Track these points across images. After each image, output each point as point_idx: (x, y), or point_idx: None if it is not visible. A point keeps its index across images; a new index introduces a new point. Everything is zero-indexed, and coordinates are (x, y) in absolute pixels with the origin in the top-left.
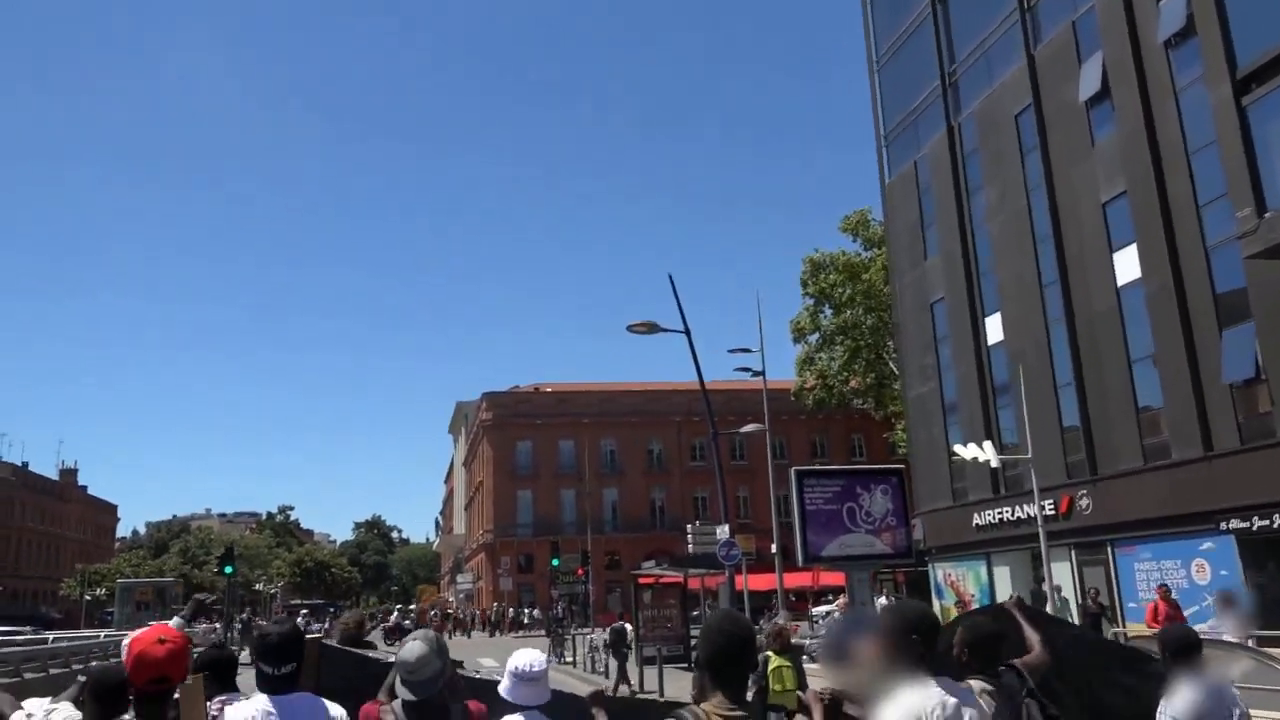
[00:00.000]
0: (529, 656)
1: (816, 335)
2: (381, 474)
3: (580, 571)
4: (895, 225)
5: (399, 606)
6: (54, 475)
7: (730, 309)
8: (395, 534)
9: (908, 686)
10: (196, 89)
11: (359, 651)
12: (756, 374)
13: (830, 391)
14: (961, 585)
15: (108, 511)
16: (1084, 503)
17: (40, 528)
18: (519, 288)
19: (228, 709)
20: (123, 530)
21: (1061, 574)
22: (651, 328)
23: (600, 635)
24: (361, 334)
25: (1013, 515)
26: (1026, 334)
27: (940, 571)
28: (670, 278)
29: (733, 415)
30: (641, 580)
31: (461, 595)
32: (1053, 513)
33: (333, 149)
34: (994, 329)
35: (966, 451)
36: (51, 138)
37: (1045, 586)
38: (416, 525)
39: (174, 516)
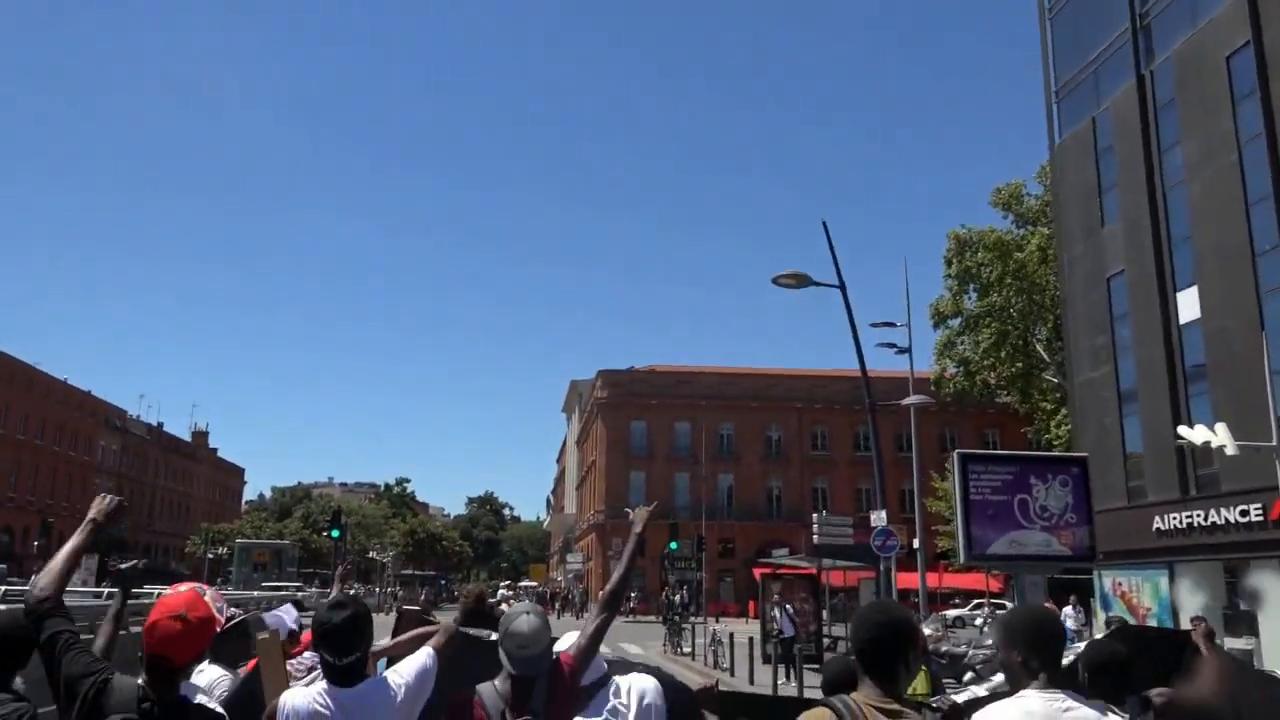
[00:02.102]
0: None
1: (959, 319)
2: (496, 451)
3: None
4: (1066, 191)
5: (505, 583)
6: (186, 437)
7: (868, 291)
8: (507, 511)
9: (1032, 696)
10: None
11: (467, 630)
12: (902, 351)
13: (972, 380)
14: (1135, 597)
15: (235, 474)
16: None
17: (172, 486)
18: (638, 270)
19: (285, 694)
20: (250, 494)
21: (1271, 592)
22: (801, 280)
23: (721, 627)
24: (482, 315)
25: (1205, 519)
26: (1232, 310)
27: (1109, 580)
28: (824, 225)
29: (858, 406)
30: (773, 571)
31: (571, 575)
32: (1260, 518)
33: (480, 132)
34: (1188, 305)
35: (1194, 434)
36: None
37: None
38: (528, 503)
39: (298, 483)
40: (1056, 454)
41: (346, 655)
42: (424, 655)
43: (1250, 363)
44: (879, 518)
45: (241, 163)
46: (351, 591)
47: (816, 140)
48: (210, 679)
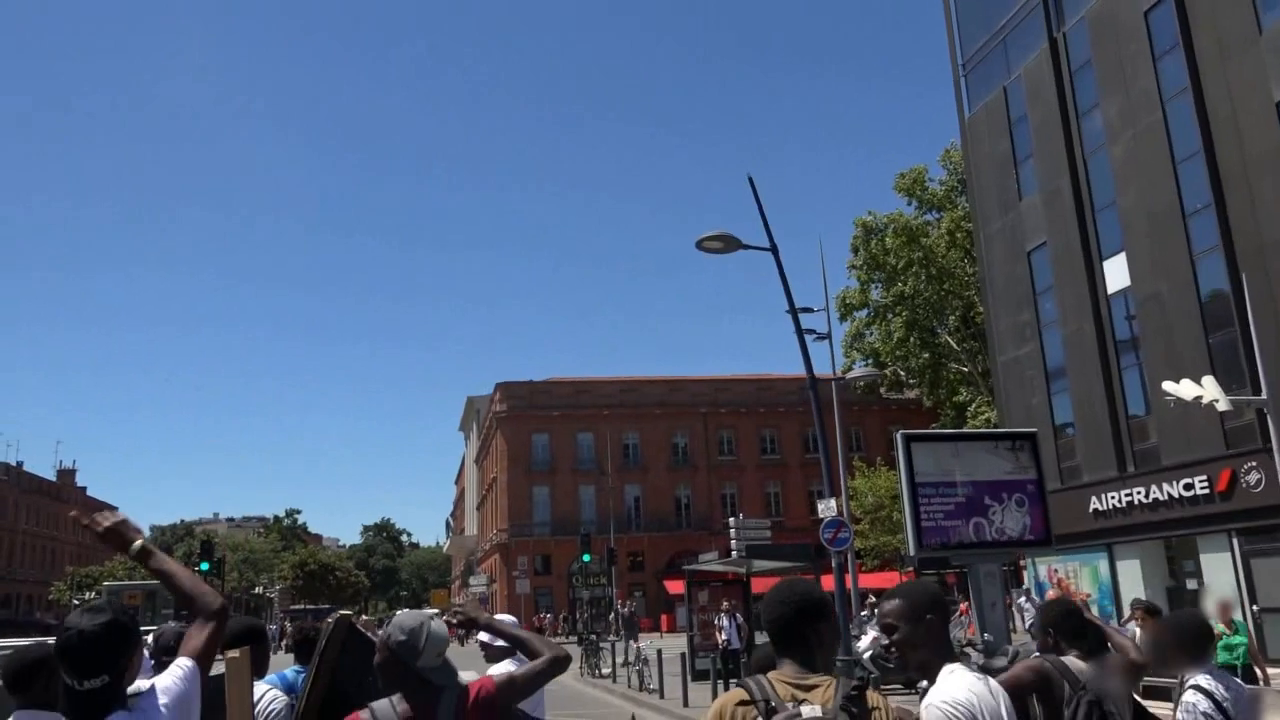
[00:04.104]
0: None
1: (866, 310)
2: (392, 477)
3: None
4: (979, 165)
5: (402, 612)
6: (51, 476)
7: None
8: (405, 537)
9: (949, 671)
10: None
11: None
12: (821, 337)
13: (882, 373)
14: (1073, 583)
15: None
16: (1253, 477)
17: (35, 529)
18: (534, 279)
19: None
20: None
21: (1217, 568)
22: (729, 243)
23: (646, 644)
24: (370, 332)
25: (1146, 496)
26: (1164, 274)
27: (1044, 567)
28: (750, 180)
29: (763, 408)
30: (694, 579)
31: (475, 599)
32: (1206, 491)
33: (365, 130)
34: (1116, 273)
35: (1182, 390)
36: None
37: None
38: (427, 529)
39: (180, 520)
40: (1005, 430)
41: (90, 677)
42: (182, 668)
43: (1187, 328)
44: (828, 507)
45: (107, 176)
46: None
47: (719, 140)
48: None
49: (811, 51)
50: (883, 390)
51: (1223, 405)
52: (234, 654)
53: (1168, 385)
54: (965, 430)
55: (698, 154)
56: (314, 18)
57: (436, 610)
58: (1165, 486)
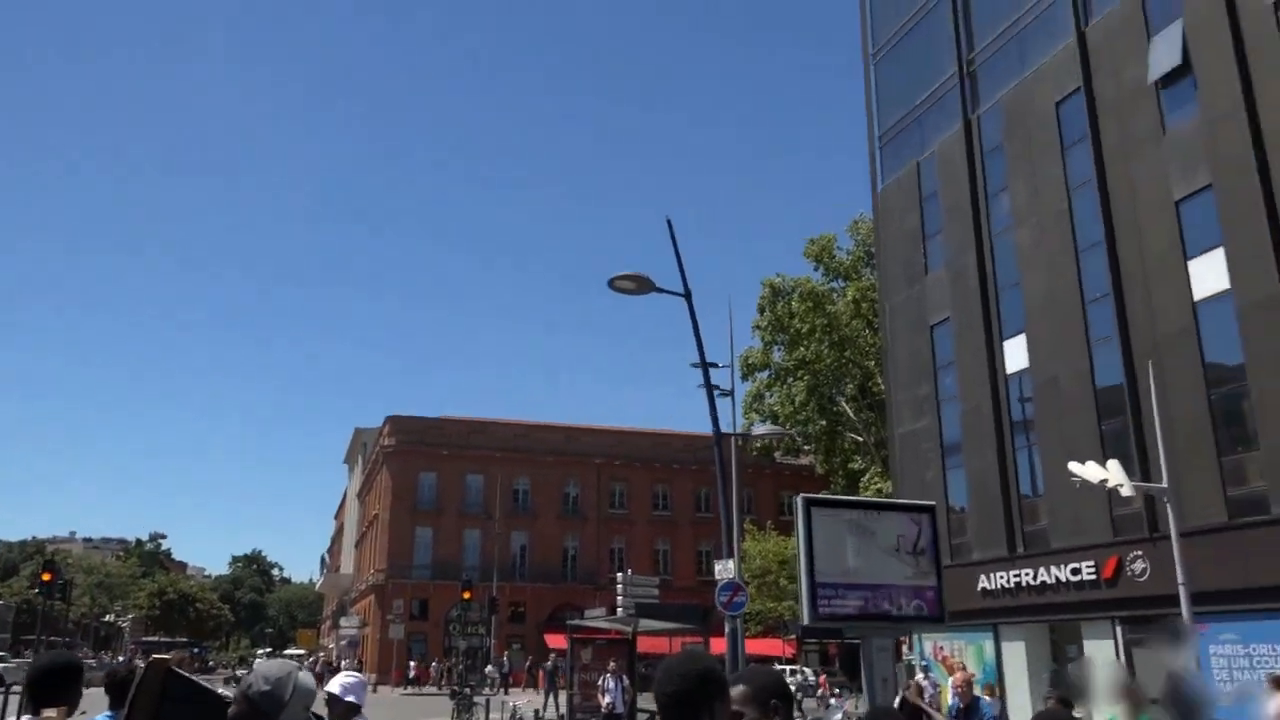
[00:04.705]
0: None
1: (768, 371)
2: (268, 506)
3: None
4: (888, 236)
5: (265, 651)
6: None
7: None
8: (276, 571)
9: None
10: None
11: (203, 681)
12: (726, 393)
13: (788, 432)
14: (957, 661)
15: None
16: (1138, 566)
17: None
18: (433, 310)
19: None
20: None
21: (1100, 654)
22: (642, 284)
23: (522, 701)
24: (251, 354)
25: (1034, 578)
26: (1061, 358)
27: (929, 644)
28: (669, 222)
29: (658, 463)
30: (578, 635)
31: (344, 642)
32: (1093, 576)
33: (257, 152)
34: (1016, 353)
35: (1087, 472)
36: None
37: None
38: (301, 564)
39: (32, 537)
40: (904, 501)
41: None
42: None
43: (1081, 413)
44: (725, 568)
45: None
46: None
47: (644, 183)
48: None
49: (734, 106)
50: (777, 455)
51: (1126, 490)
52: (50, 714)
53: (1073, 466)
54: (868, 499)
55: (611, 206)
56: None
57: (304, 652)
58: (1053, 569)
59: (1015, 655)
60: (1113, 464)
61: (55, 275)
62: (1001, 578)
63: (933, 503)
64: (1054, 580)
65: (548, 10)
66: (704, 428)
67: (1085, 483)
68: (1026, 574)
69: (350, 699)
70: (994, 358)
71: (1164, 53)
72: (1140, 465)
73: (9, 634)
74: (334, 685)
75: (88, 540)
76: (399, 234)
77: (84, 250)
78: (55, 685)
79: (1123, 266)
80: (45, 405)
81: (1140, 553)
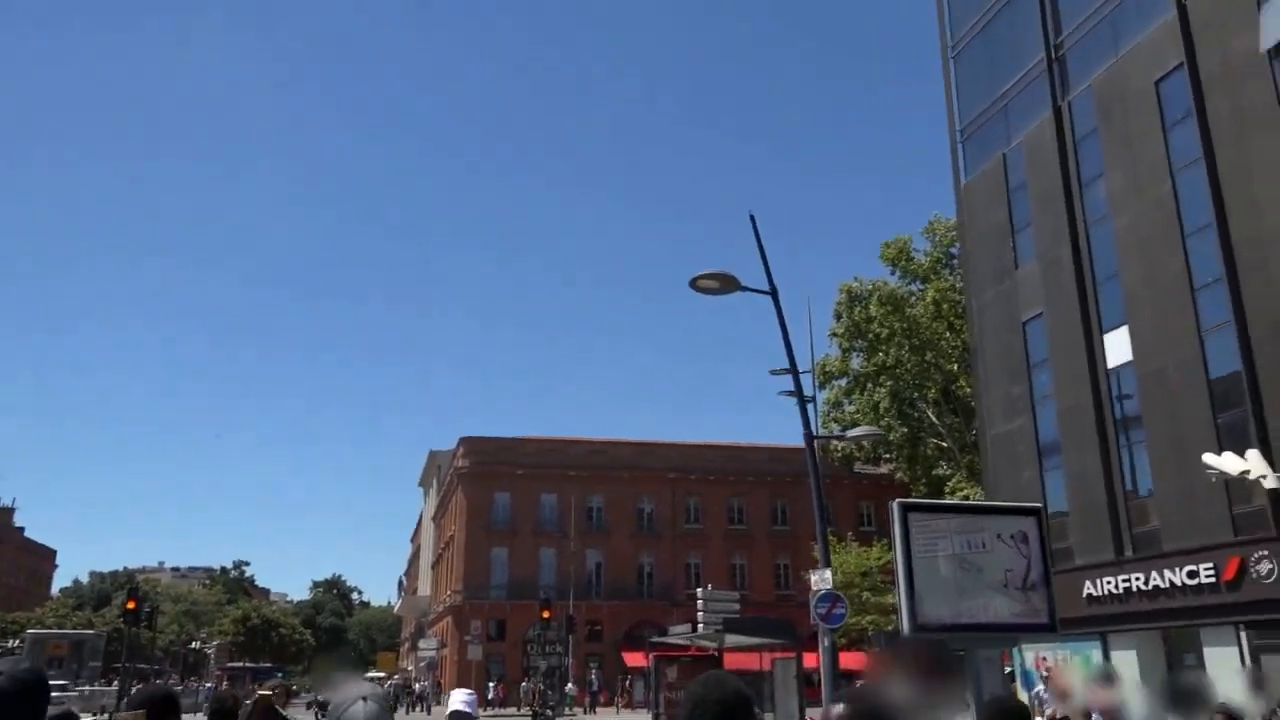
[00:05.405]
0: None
1: (846, 379)
2: (347, 531)
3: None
4: (974, 233)
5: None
6: None
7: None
8: (355, 595)
9: None
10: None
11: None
12: (807, 400)
13: (860, 446)
14: (1062, 674)
15: (46, 557)
16: (1264, 566)
17: None
18: (501, 330)
19: None
20: (64, 579)
21: (1222, 662)
22: (727, 283)
23: None
24: (334, 383)
25: (1146, 583)
26: (1169, 349)
27: (1031, 655)
28: (752, 217)
29: (732, 476)
30: (661, 653)
31: (423, 664)
32: (1212, 580)
33: (326, 175)
34: (1117, 347)
35: (1224, 463)
36: None
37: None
38: (379, 587)
39: (123, 568)
40: (1008, 504)
41: None
42: None
43: (1193, 406)
44: (822, 578)
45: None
46: (174, 685)
47: (719, 187)
48: None
49: (794, 116)
50: (857, 463)
51: (1270, 482)
52: (124, 716)
53: (1208, 458)
54: (968, 503)
55: (682, 221)
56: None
57: (383, 675)
58: (1167, 573)
59: (1126, 665)
60: (1252, 454)
61: (183, 301)
62: (1109, 583)
63: (1038, 505)
64: (1168, 584)
65: (621, 25)
66: (777, 439)
67: (1222, 475)
68: (1137, 578)
69: (468, 711)
70: (1093, 352)
71: (1277, 19)
72: (1264, 458)
73: (100, 661)
74: (458, 704)
75: (175, 569)
76: (467, 249)
77: (172, 269)
78: (155, 716)
79: (1236, 248)
80: (134, 429)
81: (1266, 552)
